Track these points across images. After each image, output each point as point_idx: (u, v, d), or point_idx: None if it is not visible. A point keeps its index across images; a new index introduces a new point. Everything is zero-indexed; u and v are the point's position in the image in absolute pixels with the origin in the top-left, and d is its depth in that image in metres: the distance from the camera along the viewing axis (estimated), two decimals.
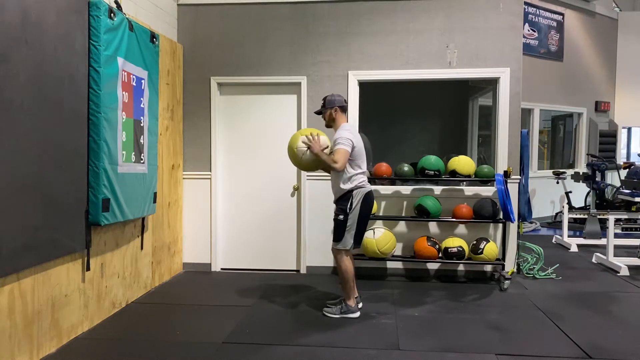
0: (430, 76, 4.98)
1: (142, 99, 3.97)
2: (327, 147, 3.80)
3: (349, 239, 3.75)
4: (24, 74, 2.72)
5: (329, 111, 3.86)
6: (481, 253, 4.60)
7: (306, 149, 3.71)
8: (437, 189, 5.01)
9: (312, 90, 5.06)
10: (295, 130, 5.16)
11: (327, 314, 3.82)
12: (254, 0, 5.09)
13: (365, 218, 3.85)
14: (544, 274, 5.01)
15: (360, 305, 3.94)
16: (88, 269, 3.43)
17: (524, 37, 7.79)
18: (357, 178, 3.75)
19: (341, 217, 3.73)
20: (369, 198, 3.80)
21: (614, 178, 8.62)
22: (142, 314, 3.89)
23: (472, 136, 7.56)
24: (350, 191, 3.73)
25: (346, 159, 3.65)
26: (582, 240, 6.65)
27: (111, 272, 3.79)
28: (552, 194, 8.73)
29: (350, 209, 3.71)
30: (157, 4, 4.63)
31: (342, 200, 3.75)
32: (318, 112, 3.99)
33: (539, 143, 8.89)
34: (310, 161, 3.78)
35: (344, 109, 3.89)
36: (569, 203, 7.82)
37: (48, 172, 2.94)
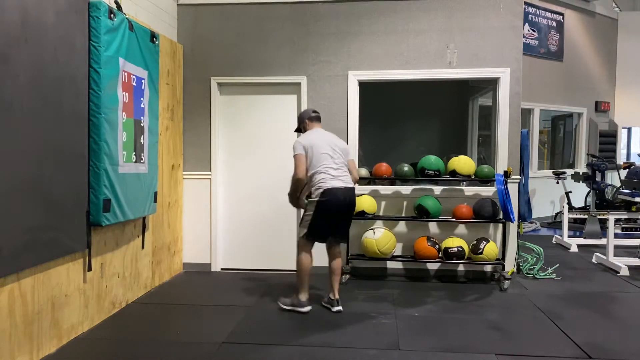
0: (430, 76, 4.98)
1: (142, 99, 3.97)
2: None
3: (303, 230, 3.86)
4: (24, 74, 2.72)
5: (301, 126, 4.12)
6: (481, 253, 4.60)
7: None
8: (437, 189, 5.01)
9: (312, 90, 5.06)
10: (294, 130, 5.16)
11: (280, 304, 3.97)
12: (254, 0, 5.09)
13: (333, 214, 3.81)
14: (544, 274, 5.01)
15: (339, 307, 3.93)
16: (89, 269, 3.43)
17: (524, 37, 7.80)
18: (317, 180, 3.79)
19: (306, 212, 3.87)
20: (329, 194, 3.75)
21: (614, 178, 8.62)
22: (142, 314, 3.89)
23: (472, 136, 7.56)
24: (312, 195, 3.83)
25: (302, 163, 3.78)
26: (582, 240, 6.65)
27: (111, 272, 3.79)
28: (552, 194, 8.73)
29: (310, 207, 3.82)
30: (157, 4, 4.63)
31: (307, 202, 3.90)
32: (297, 130, 4.20)
33: (539, 143, 8.90)
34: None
35: (312, 118, 4.07)
36: (569, 203, 7.82)
37: (48, 172, 2.94)
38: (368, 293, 4.40)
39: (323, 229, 3.85)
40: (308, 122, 4.07)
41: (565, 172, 8.31)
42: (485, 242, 4.64)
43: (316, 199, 3.76)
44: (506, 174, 4.72)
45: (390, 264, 5.05)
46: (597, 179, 6.92)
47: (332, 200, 3.75)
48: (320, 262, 5.10)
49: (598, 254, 5.71)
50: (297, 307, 3.88)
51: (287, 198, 4.05)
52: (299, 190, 3.92)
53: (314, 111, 4.13)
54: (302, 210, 3.94)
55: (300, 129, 4.15)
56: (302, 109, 4.20)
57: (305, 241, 3.86)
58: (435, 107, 7.77)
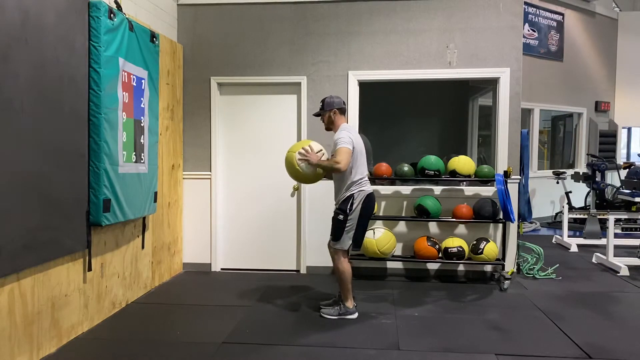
0: (430, 76, 4.98)
1: (142, 98, 3.97)
2: (322, 150, 3.81)
3: (346, 240, 3.73)
4: (24, 74, 2.72)
5: (328, 113, 3.84)
6: (481, 253, 4.60)
7: (305, 163, 3.71)
8: (437, 189, 5.01)
9: (312, 90, 5.06)
10: (294, 131, 5.17)
11: (325, 315, 3.81)
12: (254, 0, 5.09)
13: (366, 220, 3.84)
14: (544, 274, 5.01)
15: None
16: (89, 269, 3.43)
17: (524, 37, 7.79)
18: (360, 182, 3.75)
19: (341, 217, 3.71)
20: (370, 200, 3.79)
21: (614, 178, 8.62)
22: (142, 314, 3.89)
23: (472, 136, 7.57)
24: (352, 194, 3.72)
25: (349, 157, 3.60)
26: (582, 240, 6.65)
27: (111, 272, 3.79)
28: (552, 194, 8.73)
29: (350, 210, 3.69)
30: (157, 4, 4.63)
31: (343, 201, 3.74)
32: (317, 114, 3.97)
33: (539, 143, 8.89)
34: (313, 174, 3.79)
35: (342, 110, 3.88)
36: (569, 203, 7.82)
37: (48, 172, 2.94)
38: (368, 293, 4.40)
39: (361, 234, 3.84)
40: (338, 112, 3.83)
41: (565, 172, 8.31)
42: (485, 242, 4.64)
43: (359, 205, 3.71)
44: (506, 174, 4.72)
45: (390, 264, 5.05)
46: (597, 179, 6.92)
47: (372, 205, 3.82)
48: (315, 262, 5.12)
49: (598, 254, 5.71)
50: (347, 314, 3.78)
51: (302, 163, 3.70)
52: (324, 171, 3.79)
53: (344, 102, 3.89)
54: (340, 221, 3.72)
55: (322, 114, 3.88)
56: (330, 97, 3.87)
57: (345, 251, 3.78)
58: (435, 107, 7.77)
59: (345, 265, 3.76)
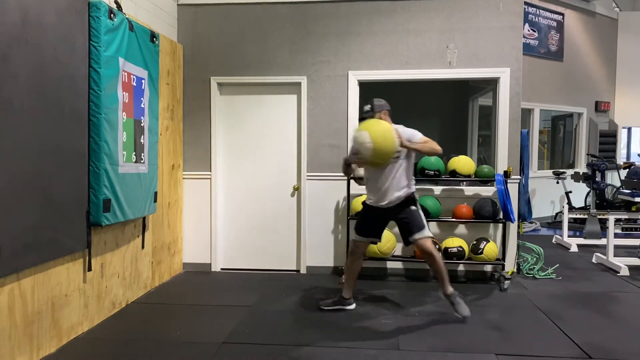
0: (430, 76, 4.98)
1: (142, 98, 3.97)
2: None
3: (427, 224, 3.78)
4: (24, 74, 2.72)
5: (379, 115, 3.81)
6: (481, 253, 4.60)
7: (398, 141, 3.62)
8: (437, 189, 5.01)
9: (312, 90, 5.06)
10: (294, 131, 5.16)
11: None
12: (254, 0, 5.09)
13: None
14: (544, 274, 5.01)
15: (353, 305, 3.95)
16: (89, 269, 3.43)
17: (524, 37, 7.79)
18: (413, 185, 3.83)
19: (413, 207, 3.76)
20: None
21: (614, 178, 8.62)
22: (142, 314, 3.89)
23: (472, 136, 7.57)
24: (413, 192, 3.79)
25: None
26: (582, 240, 6.65)
27: (111, 272, 3.79)
28: (552, 194, 8.73)
29: (417, 201, 3.79)
30: (157, 4, 4.63)
31: (408, 198, 3.76)
32: (362, 118, 3.86)
33: (539, 143, 8.89)
34: (391, 154, 3.66)
35: (389, 112, 3.90)
36: (569, 203, 7.82)
37: (48, 172, 2.94)
38: (368, 293, 4.40)
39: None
40: (387, 113, 3.87)
41: (565, 172, 8.31)
42: (485, 242, 4.64)
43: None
44: (506, 174, 4.72)
45: (390, 264, 5.05)
46: (597, 179, 6.92)
47: None
48: (315, 262, 5.12)
49: (598, 254, 5.71)
50: (456, 299, 3.76)
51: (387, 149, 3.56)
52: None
53: None
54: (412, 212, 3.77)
55: (371, 116, 3.79)
56: (378, 99, 3.89)
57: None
58: (435, 107, 7.77)
59: (436, 250, 3.76)
